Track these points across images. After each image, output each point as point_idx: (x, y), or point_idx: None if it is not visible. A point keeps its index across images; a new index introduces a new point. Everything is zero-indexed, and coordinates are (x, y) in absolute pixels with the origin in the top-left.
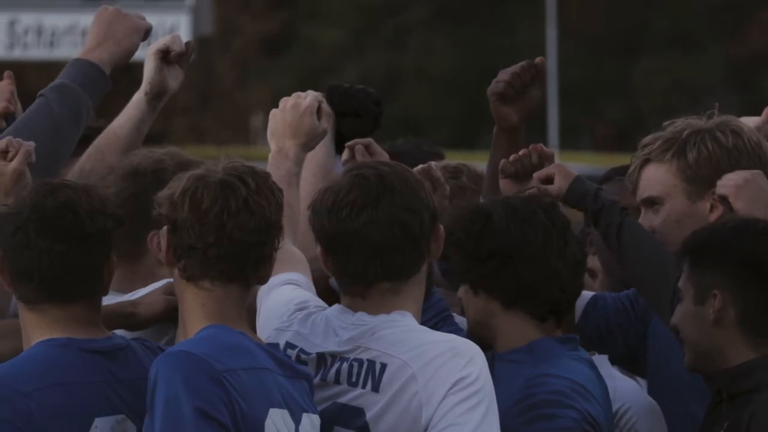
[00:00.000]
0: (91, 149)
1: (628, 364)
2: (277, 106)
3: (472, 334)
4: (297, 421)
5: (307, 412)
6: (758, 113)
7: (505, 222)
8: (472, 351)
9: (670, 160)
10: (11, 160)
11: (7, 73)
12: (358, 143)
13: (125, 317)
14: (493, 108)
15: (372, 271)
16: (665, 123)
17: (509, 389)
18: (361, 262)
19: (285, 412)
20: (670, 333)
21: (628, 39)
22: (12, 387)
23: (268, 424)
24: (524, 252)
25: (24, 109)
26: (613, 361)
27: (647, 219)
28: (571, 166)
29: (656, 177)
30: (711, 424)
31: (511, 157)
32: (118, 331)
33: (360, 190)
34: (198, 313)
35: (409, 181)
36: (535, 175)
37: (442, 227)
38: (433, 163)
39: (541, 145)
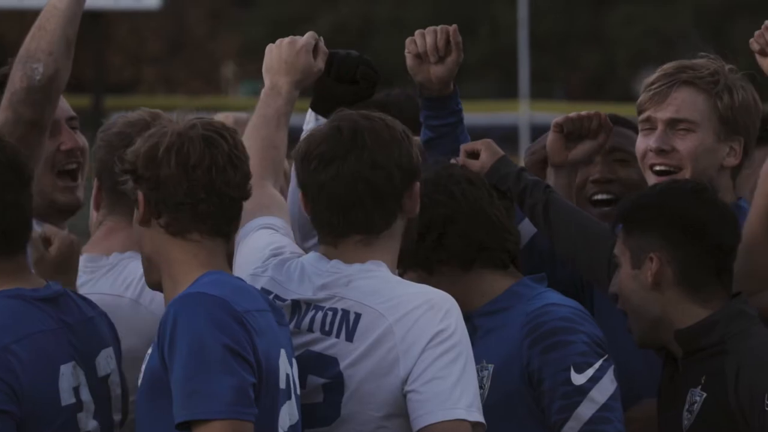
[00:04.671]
0: (33, 29)
1: None
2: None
3: None
4: (291, 364)
5: (293, 357)
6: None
7: (432, 193)
8: (448, 303)
9: (715, 94)
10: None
11: None
12: None
13: None
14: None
15: (337, 223)
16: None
17: (511, 330)
18: (327, 214)
19: (286, 354)
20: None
21: None
22: None
23: (281, 363)
24: (463, 212)
25: None
26: None
27: (665, 138)
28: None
29: (695, 103)
30: (676, 384)
31: (573, 114)
32: None
33: (330, 143)
34: (192, 263)
35: (383, 137)
36: (463, 147)
37: (418, 184)
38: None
39: (606, 115)
